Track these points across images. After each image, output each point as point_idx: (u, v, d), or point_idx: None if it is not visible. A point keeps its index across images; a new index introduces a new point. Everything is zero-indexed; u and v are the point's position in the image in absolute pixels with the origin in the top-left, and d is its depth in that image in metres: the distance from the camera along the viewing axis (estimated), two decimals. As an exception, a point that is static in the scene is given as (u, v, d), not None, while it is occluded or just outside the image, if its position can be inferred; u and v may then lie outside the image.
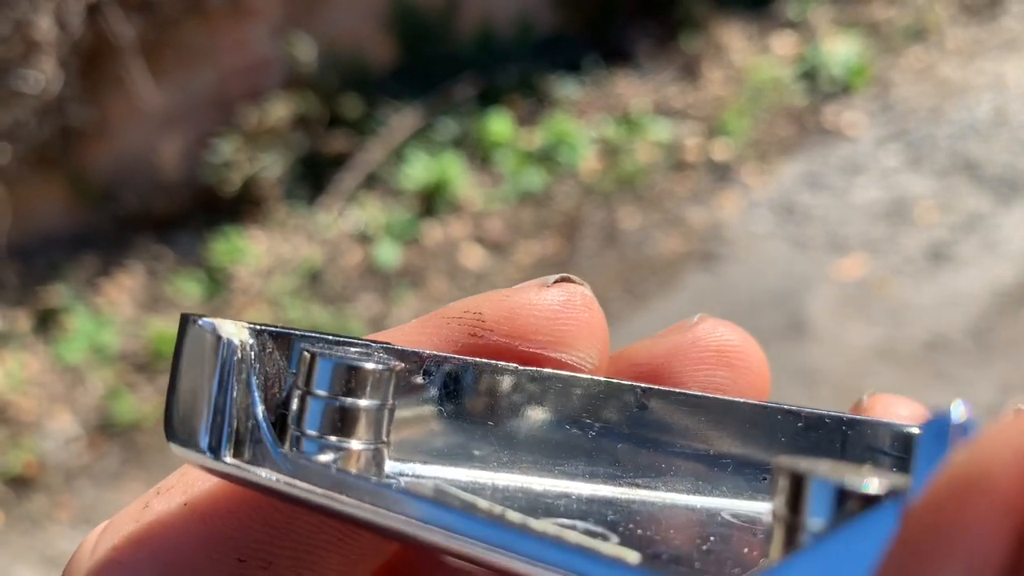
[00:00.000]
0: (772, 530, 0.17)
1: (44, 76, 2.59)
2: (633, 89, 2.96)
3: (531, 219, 2.62)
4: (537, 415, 0.26)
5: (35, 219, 2.75)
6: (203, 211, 2.80)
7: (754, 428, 0.27)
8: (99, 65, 2.70)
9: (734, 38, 3.06)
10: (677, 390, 0.27)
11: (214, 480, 0.24)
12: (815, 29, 3.05)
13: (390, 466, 0.24)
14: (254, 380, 0.23)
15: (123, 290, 2.65)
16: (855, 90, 2.87)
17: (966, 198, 2.42)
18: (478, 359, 0.25)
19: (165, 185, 2.82)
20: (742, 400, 0.27)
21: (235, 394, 0.22)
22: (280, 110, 2.82)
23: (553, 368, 0.26)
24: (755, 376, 0.28)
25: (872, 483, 0.16)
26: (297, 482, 0.21)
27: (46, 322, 2.55)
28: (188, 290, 2.59)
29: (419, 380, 0.25)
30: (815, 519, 0.17)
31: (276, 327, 0.23)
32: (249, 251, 2.65)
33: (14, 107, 2.60)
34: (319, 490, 0.21)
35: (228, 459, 0.22)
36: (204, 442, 0.22)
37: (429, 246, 2.61)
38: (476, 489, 0.25)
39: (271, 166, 2.79)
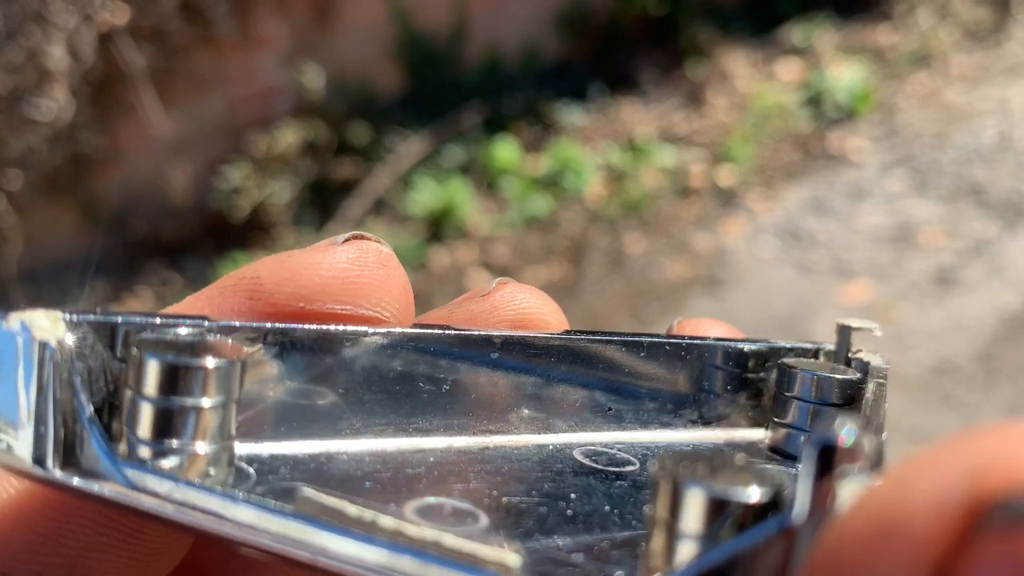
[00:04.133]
0: (653, 533, 0.17)
1: (56, 104, 2.62)
2: (638, 116, 2.98)
3: (537, 244, 2.63)
4: (387, 377, 0.25)
5: (46, 244, 2.77)
6: (212, 237, 2.82)
7: (598, 362, 0.28)
8: (110, 93, 2.73)
9: (739, 65, 3.08)
10: (526, 333, 0.27)
11: None
12: (820, 55, 3.07)
13: (239, 448, 0.23)
14: (78, 381, 0.20)
15: (132, 315, 2.66)
16: (860, 116, 2.88)
17: (972, 223, 2.42)
18: (318, 326, 0.24)
19: (175, 211, 2.85)
20: (584, 337, 0.27)
21: (58, 396, 0.20)
22: (289, 137, 2.85)
23: (350, 324, 0.25)
24: None
25: (752, 493, 0.17)
26: (139, 496, 0.20)
27: (55, 347, 2.56)
28: (196, 315, 2.60)
29: (261, 356, 0.23)
30: (694, 525, 0.17)
31: (94, 315, 0.21)
32: (257, 277, 2.66)
33: (26, 134, 2.63)
34: (167, 506, 0.19)
35: (57, 472, 0.20)
36: (28, 452, 0.20)
37: (436, 271, 2.62)
38: (331, 460, 0.24)
39: (279, 192, 2.81)
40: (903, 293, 2.24)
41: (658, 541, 0.17)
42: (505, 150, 2.83)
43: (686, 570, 0.16)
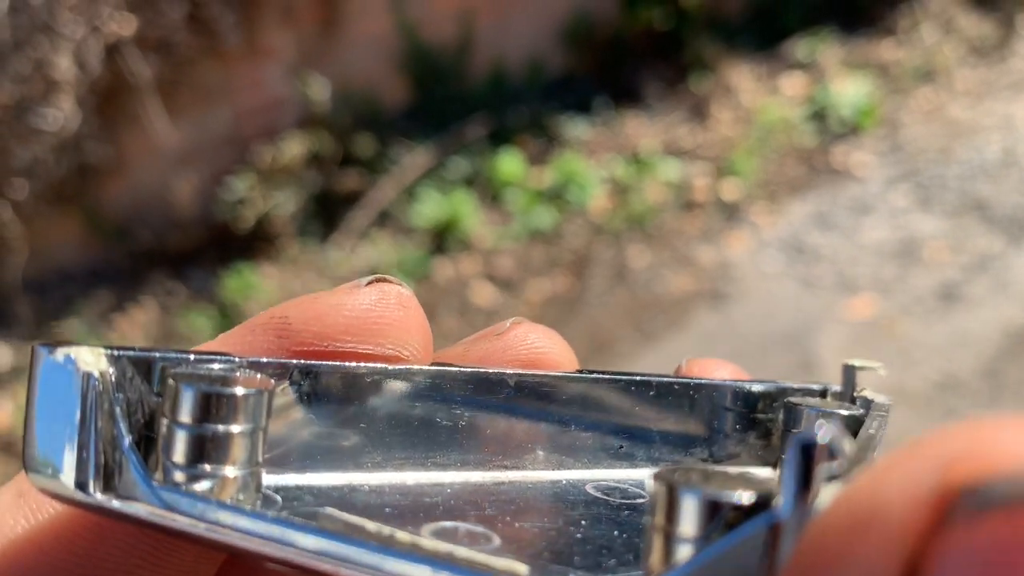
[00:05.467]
0: (650, 539, 0.18)
1: (62, 114, 2.63)
2: (642, 129, 2.98)
3: (541, 257, 2.64)
4: (406, 413, 0.26)
5: (51, 254, 2.78)
6: (217, 247, 2.83)
7: (609, 401, 0.29)
8: (116, 103, 2.75)
9: (743, 79, 3.08)
10: (540, 373, 0.28)
11: (14, 509, 0.24)
12: (824, 70, 3.08)
13: (266, 479, 0.24)
14: (118, 411, 0.22)
15: (136, 325, 2.66)
16: (864, 131, 2.88)
17: (976, 238, 2.42)
18: (342, 363, 0.25)
19: (180, 222, 2.85)
20: (595, 376, 0.29)
21: (99, 425, 0.21)
22: (294, 148, 2.86)
23: (372, 362, 0.26)
24: None
25: (742, 495, 0.18)
26: (174, 516, 0.21)
27: (59, 357, 2.56)
28: (200, 325, 2.61)
29: (287, 391, 0.25)
30: (689, 529, 0.18)
31: (134, 350, 0.23)
32: (261, 287, 2.67)
33: (33, 144, 2.64)
34: (200, 524, 0.21)
35: (98, 495, 0.21)
36: (71, 478, 0.21)
37: (440, 283, 2.62)
38: (353, 491, 0.25)
39: (284, 203, 2.82)
40: (907, 308, 2.23)
41: (657, 546, 0.18)
42: (509, 163, 2.83)
43: (681, 568, 0.17)
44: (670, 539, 0.18)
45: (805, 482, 0.16)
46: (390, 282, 0.27)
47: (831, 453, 0.16)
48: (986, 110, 2.90)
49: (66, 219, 2.79)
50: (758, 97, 3.02)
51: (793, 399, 0.31)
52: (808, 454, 0.16)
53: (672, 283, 2.46)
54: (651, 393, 0.29)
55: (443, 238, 2.71)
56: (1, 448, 2.33)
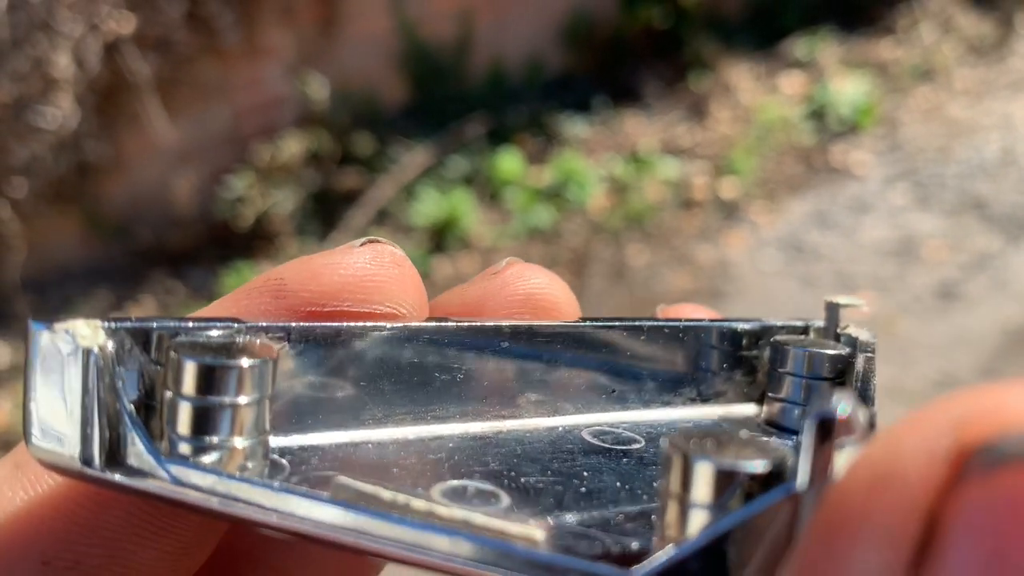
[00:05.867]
0: (665, 505, 0.19)
1: (61, 112, 2.63)
2: (641, 128, 2.98)
3: (540, 255, 2.64)
4: (405, 368, 0.26)
5: (50, 253, 2.78)
6: (216, 246, 2.83)
7: (601, 346, 0.29)
8: (115, 102, 2.74)
9: (742, 78, 3.08)
10: (534, 322, 0.28)
11: (12, 480, 0.24)
12: (823, 69, 3.08)
13: (272, 441, 0.24)
14: (120, 384, 0.21)
15: (135, 324, 2.66)
16: (863, 129, 2.89)
17: (975, 237, 2.42)
18: (340, 323, 0.25)
19: (179, 220, 2.85)
20: (588, 323, 0.29)
21: (102, 400, 0.21)
22: (293, 147, 2.86)
23: (370, 320, 0.26)
24: (563, 316, 0.29)
25: (758, 464, 0.18)
26: (185, 491, 0.21)
27: (58, 355, 2.56)
28: (199, 324, 2.61)
29: (287, 353, 0.25)
30: (704, 496, 0.18)
31: (130, 320, 0.22)
32: (260, 286, 2.66)
33: (31, 142, 2.64)
34: (213, 499, 0.20)
35: (105, 471, 0.21)
36: (77, 454, 0.21)
37: (439, 281, 2.62)
38: (357, 449, 0.25)
39: (283, 202, 2.82)
40: (906, 307, 2.24)
41: (671, 512, 0.19)
42: (508, 161, 2.83)
43: (700, 537, 0.17)
44: (685, 506, 0.18)
45: (823, 453, 0.17)
46: (383, 243, 0.27)
47: (847, 426, 0.17)
48: (985, 109, 2.90)
49: (65, 218, 2.79)
50: (757, 96, 3.02)
51: (779, 337, 0.31)
52: (825, 428, 0.17)
53: (671, 282, 2.46)
54: (641, 337, 0.30)
55: (442, 237, 2.71)
56: (1, 446, 2.33)
